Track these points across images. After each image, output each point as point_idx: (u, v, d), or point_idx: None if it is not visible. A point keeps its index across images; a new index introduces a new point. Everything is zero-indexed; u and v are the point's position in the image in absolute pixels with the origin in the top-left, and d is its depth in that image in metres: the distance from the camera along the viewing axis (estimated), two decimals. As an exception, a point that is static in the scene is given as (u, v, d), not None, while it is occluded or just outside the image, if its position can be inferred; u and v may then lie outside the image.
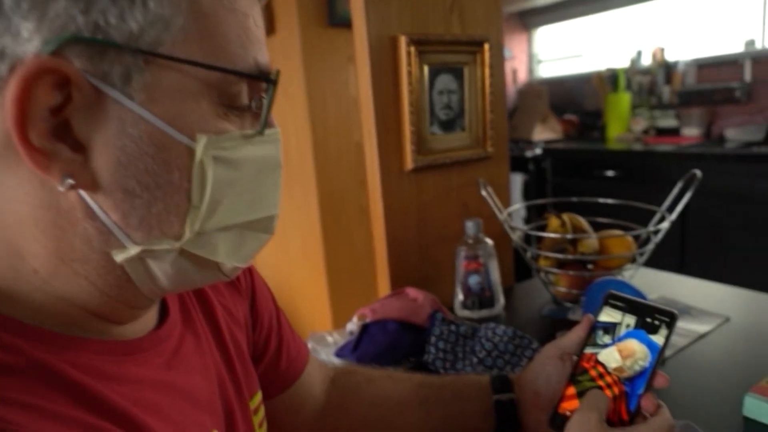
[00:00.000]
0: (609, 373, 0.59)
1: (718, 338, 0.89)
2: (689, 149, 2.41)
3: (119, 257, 0.34)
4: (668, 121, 2.88)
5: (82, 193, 0.32)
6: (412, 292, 0.97)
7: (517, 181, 2.92)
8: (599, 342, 0.61)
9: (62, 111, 0.30)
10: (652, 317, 0.59)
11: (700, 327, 0.92)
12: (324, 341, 0.93)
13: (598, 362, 0.60)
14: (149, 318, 0.42)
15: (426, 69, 1.01)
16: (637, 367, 0.57)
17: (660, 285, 1.14)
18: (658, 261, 1.23)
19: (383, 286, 1.09)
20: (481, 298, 1.04)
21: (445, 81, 1.02)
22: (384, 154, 1.00)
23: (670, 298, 1.05)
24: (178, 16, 0.31)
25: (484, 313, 1.04)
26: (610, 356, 0.60)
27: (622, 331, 0.60)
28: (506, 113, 1.15)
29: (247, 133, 0.36)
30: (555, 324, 0.99)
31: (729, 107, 2.69)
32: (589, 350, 0.61)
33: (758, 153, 2.13)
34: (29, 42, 0.29)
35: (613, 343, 0.59)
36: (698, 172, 1.02)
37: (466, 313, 1.04)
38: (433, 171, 1.06)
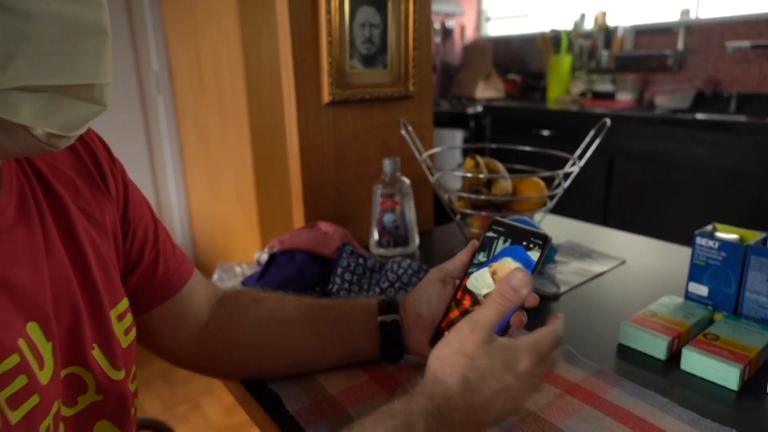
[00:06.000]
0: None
1: (613, 278, 0.94)
2: (621, 113, 2.48)
3: None
4: (605, 86, 2.95)
5: None
6: (324, 225, 0.97)
7: (458, 137, 2.95)
8: (476, 261, 0.61)
9: None
10: (528, 240, 0.59)
11: (598, 267, 0.97)
12: (232, 271, 0.92)
13: (468, 292, 0.60)
14: None
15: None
16: None
17: (569, 231, 1.19)
18: (583, 218, 1.32)
19: (299, 222, 1.08)
20: (395, 237, 1.05)
21: (366, 13, 0.99)
22: (301, 84, 0.97)
23: (576, 242, 1.10)
24: None
25: (398, 251, 1.05)
26: (481, 281, 0.60)
27: (499, 249, 0.60)
28: (432, 49, 1.14)
29: None
30: (464, 263, 1.01)
31: (661, 74, 2.78)
32: (471, 272, 0.62)
33: (681, 119, 2.23)
34: None
35: (489, 264, 0.60)
36: (608, 121, 1.05)
37: (381, 252, 1.05)
38: (352, 106, 1.04)
